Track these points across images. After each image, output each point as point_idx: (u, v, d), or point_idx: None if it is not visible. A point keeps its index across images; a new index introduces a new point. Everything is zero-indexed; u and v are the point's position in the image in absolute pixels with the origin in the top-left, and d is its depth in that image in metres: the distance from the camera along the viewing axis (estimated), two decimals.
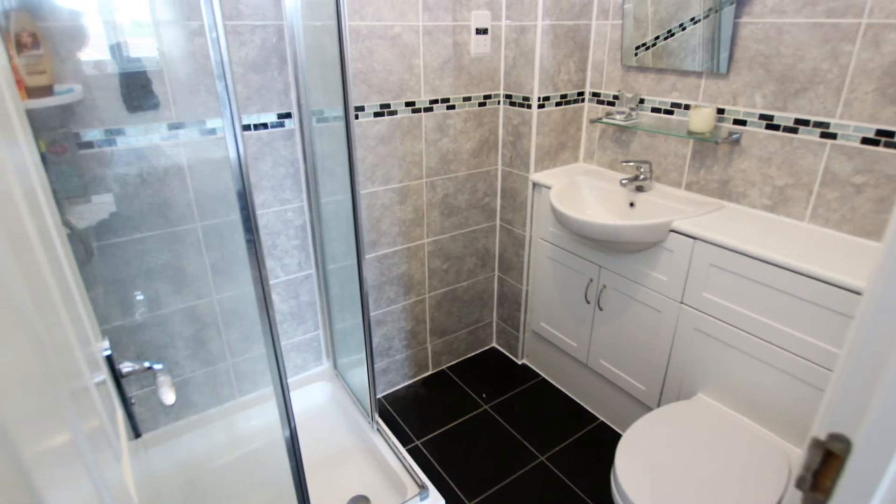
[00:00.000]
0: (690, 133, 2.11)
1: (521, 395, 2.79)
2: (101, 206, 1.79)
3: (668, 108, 2.25)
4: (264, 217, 2.16)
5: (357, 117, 2.19)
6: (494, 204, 2.81)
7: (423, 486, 1.95)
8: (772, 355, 1.76)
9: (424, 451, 2.44)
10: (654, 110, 2.31)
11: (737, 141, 2.03)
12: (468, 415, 2.66)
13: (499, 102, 2.59)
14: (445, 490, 2.22)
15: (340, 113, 1.77)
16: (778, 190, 1.96)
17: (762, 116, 1.95)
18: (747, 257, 1.75)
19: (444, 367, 3.03)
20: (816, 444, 0.62)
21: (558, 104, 2.48)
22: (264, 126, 2.04)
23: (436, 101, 2.39)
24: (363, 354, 2.06)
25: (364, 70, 2.14)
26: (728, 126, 2.05)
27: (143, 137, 1.80)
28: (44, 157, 1.62)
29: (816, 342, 1.63)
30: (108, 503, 0.65)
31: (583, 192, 2.44)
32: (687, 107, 2.17)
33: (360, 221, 1.82)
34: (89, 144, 1.72)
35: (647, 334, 2.17)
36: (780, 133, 1.91)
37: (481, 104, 2.54)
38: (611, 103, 2.48)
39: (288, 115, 2.08)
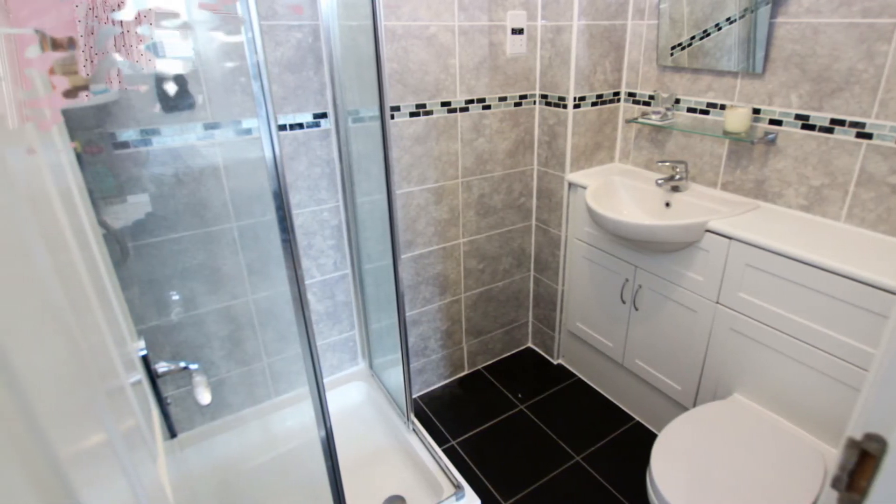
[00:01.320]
0: (726, 133, 2.08)
1: (556, 395, 2.77)
2: (136, 206, 1.81)
3: (704, 108, 2.22)
4: (300, 217, 2.17)
5: (393, 117, 2.19)
6: (530, 204, 2.80)
7: (458, 486, 1.94)
8: (808, 355, 1.74)
9: (460, 451, 2.44)
10: (690, 110, 2.28)
11: (772, 141, 2.00)
12: (504, 415, 2.65)
13: (534, 102, 2.57)
14: (481, 490, 2.22)
15: (376, 113, 1.77)
16: (814, 190, 1.93)
17: (798, 116, 1.92)
18: (783, 257, 1.73)
19: (479, 367, 3.02)
20: (852, 444, 0.62)
21: (594, 104, 2.45)
22: (300, 126, 2.05)
23: (471, 101, 2.38)
24: (399, 354, 2.06)
25: (400, 70, 2.15)
26: (764, 126, 2.02)
27: (178, 137, 1.82)
28: (79, 158, 1.65)
29: (852, 342, 1.61)
30: (144, 503, 0.66)
31: (618, 192, 2.42)
32: (723, 107, 2.14)
33: (395, 221, 1.82)
34: (125, 144, 1.74)
35: (683, 334, 2.15)
36: (815, 133, 1.88)
37: (517, 104, 2.52)
38: (646, 103, 2.45)
39: (324, 115, 2.09)
